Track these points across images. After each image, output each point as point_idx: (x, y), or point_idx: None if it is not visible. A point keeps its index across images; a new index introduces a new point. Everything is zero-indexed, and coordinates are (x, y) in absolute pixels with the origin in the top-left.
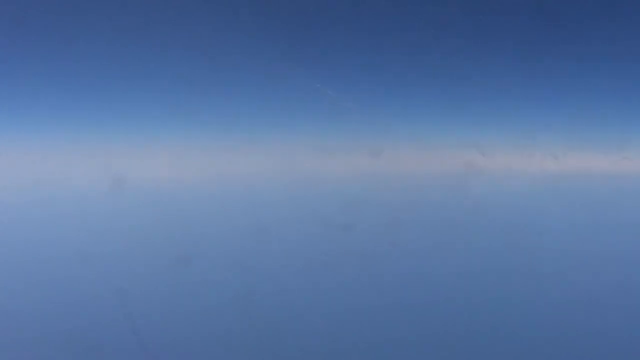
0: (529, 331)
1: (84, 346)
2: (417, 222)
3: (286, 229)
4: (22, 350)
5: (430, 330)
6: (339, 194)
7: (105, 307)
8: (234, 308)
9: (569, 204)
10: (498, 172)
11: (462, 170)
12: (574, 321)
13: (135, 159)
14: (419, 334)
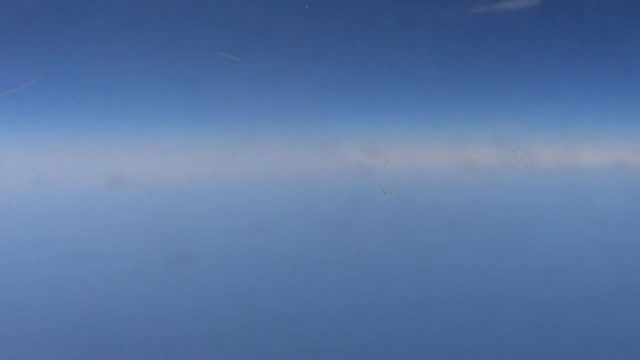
0: (529, 330)
1: (83, 346)
2: (416, 219)
3: (286, 227)
4: (22, 350)
5: (430, 330)
6: (338, 192)
7: (105, 307)
8: (234, 307)
9: (565, 199)
10: (495, 169)
11: (459, 167)
12: (574, 320)
13: (135, 159)
14: (420, 334)
